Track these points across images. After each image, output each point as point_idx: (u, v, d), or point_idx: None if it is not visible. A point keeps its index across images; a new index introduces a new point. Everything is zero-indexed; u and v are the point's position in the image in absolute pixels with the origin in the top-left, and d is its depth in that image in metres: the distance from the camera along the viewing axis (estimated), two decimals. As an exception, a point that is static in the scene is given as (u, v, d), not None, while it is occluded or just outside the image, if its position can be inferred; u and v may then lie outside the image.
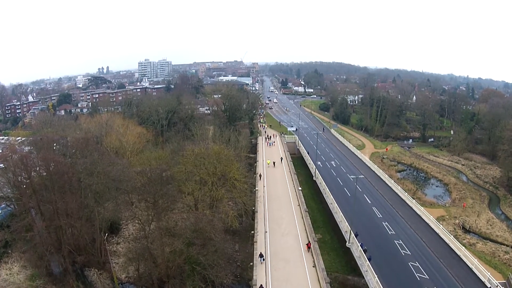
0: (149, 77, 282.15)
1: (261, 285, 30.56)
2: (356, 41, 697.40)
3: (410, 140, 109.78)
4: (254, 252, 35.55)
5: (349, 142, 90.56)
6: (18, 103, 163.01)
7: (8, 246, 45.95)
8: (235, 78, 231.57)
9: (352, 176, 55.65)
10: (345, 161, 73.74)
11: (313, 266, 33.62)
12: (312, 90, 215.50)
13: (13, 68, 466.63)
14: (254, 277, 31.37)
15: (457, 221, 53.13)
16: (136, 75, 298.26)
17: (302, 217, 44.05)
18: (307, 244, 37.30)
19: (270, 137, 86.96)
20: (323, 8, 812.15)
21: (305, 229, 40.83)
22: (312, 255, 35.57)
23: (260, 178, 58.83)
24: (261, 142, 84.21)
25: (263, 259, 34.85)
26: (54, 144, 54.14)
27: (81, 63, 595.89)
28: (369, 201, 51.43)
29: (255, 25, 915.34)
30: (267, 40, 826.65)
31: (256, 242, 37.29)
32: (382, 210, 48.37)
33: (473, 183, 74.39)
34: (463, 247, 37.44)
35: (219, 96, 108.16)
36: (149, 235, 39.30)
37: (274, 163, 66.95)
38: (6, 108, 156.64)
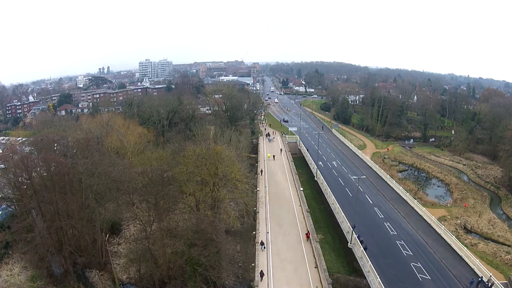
0: (150, 77, 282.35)
1: (261, 271, 31.27)
2: (357, 41, 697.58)
3: (411, 140, 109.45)
4: (256, 253, 35.53)
5: (350, 142, 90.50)
6: (19, 103, 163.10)
7: (9, 247, 45.90)
8: (236, 78, 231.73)
9: (353, 177, 55.74)
10: (346, 161, 73.65)
11: (315, 267, 33.57)
12: (313, 90, 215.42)
13: (14, 68, 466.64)
14: (256, 278, 31.31)
15: (458, 221, 52.99)
16: (137, 75, 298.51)
17: (304, 218, 44.01)
18: (306, 234, 38.42)
19: (269, 134, 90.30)
20: (323, 8, 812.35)
21: (307, 230, 40.70)
22: (313, 254, 35.57)
23: (261, 173, 59.50)
24: (262, 139, 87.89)
25: (264, 247, 36.13)
26: (55, 145, 53.90)
27: (81, 63, 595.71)
28: (371, 201, 51.34)
29: (256, 25, 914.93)
30: (268, 40, 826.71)
31: (258, 242, 37.23)
32: (384, 210, 48.30)
33: (474, 183, 74.25)
34: (465, 248, 37.46)
35: (220, 96, 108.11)
36: (150, 236, 39.21)
37: (274, 156, 70.91)
38: (7, 108, 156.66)
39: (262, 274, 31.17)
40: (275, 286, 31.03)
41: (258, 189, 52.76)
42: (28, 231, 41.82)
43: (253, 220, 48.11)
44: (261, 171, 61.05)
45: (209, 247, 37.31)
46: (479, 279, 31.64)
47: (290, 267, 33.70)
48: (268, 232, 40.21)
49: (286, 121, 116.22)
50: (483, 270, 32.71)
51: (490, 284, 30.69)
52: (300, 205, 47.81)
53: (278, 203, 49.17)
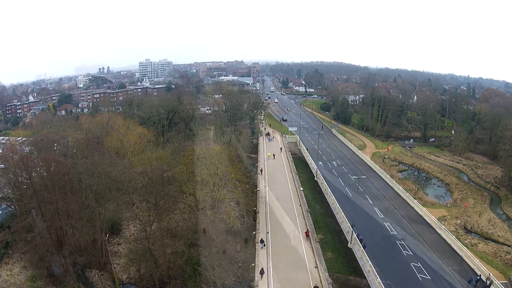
0: (150, 77, 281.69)
1: (262, 268, 31.43)
2: (357, 41, 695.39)
3: (411, 140, 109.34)
4: (256, 252, 35.54)
5: (350, 142, 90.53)
6: (19, 103, 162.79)
7: (9, 247, 45.82)
8: (236, 78, 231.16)
9: (353, 176, 55.72)
10: (346, 161, 73.64)
11: (315, 267, 33.56)
12: (313, 90, 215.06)
13: (13, 68, 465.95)
14: (256, 277, 31.30)
15: (458, 221, 52.99)
16: (137, 75, 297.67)
17: (304, 218, 43.99)
18: (306, 232, 38.65)
19: (269, 133, 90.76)
20: (323, 8, 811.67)
21: (306, 229, 40.63)
22: (313, 254, 35.56)
23: (261, 173, 59.65)
24: (262, 138, 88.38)
25: (264, 245, 36.35)
26: (55, 145, 53.97)
27: (81, 63, 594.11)
28: (371, 202, 51.33)
29: (256, 25, 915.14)
30: (268, 40, 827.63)
31: (258, 243, 37.22)
32: (384, 211, 48.29)
33: (474, 183, 74.21)
34: (465, 248, 37.46)
35: (220, 96, 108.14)
36: (150, 236, 39.28)
37: (274, 155, 71.31)
38: (7, 108, 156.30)
39: (262, 272, 31.22)
40: (275, 286, 31.01)
41: (258, 188, 52.78)
42: (28, 231, 41.79)
43: (253, 220, 48.10)
44: (261, 170, 61.16)
45: (209, 247, 37.33)
46: (478, 277, 31.82)
47: (290, 267, 33.69)
48: (268, 232, 40.20)
49: (285, 120, 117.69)
50: (483, 270, 32.76)
51: (489, 282, 30.76)
52: (300, 205, 47.80)
53: (278, 202, 49.16)
